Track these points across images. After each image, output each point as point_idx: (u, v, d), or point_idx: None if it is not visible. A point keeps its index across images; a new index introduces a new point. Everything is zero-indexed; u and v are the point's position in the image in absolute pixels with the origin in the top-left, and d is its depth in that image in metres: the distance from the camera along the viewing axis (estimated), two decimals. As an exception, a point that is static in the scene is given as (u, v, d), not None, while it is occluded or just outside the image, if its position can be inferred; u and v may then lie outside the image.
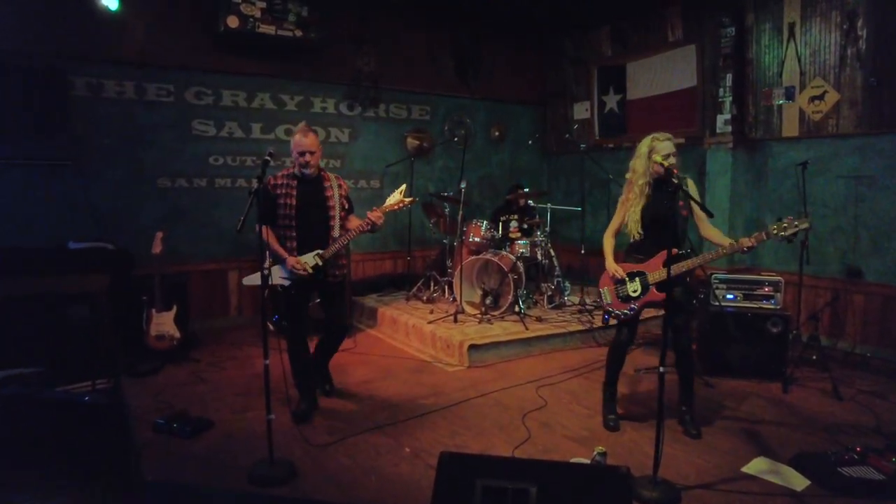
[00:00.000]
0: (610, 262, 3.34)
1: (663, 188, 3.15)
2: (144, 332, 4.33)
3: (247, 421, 3.40)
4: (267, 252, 3.38)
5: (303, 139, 3.39)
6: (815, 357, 4.27)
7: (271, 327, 4.69)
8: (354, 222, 3.54)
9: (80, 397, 3.14)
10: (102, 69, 5.00)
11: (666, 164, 2.99)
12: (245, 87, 5.67)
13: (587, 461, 2.79)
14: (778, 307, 4.16)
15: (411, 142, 6.75)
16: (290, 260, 3.38)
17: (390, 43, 6.45)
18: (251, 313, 5.75)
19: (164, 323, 4.38)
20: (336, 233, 3.45)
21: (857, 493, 2.63)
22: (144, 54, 5.14)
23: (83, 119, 4.92)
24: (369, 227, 3.38)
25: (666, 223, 3.03)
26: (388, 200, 3.45)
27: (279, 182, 3.45)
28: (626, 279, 3.27)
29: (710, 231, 3.21)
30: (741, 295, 4.24)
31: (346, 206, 3.57)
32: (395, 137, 6.65)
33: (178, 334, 4.42)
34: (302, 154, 3.39)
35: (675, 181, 2.81)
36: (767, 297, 4.18)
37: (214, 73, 5.50)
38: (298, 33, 5.44)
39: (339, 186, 3.55)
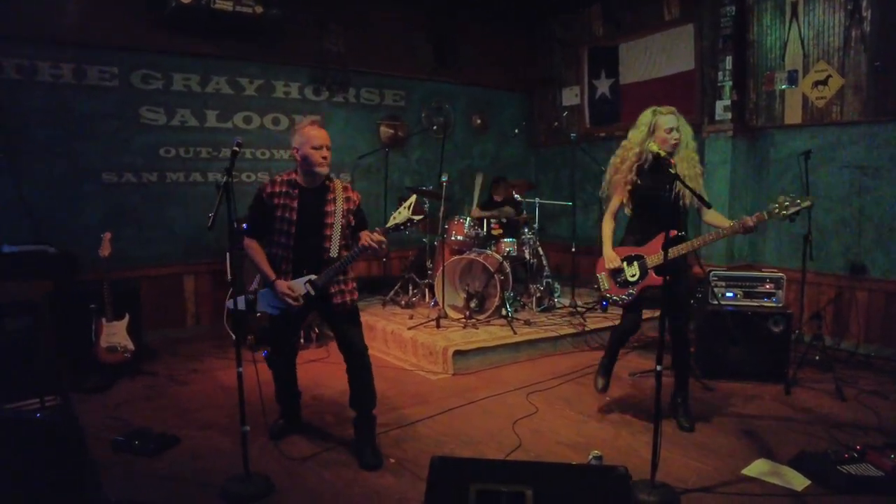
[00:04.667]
0: (608, 250, 3.63)
1: (662, 166, 3.33)
2: (94, 343, 4.45)
3: (215, 436, 3.57)
4: (257, 275, 3.32)
5: (319, 130, 3.25)
6: (817, 357, 4.62)
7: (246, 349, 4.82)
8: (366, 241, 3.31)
9: (31, 415, 3.28)
10: (36, 50, 5.06)
11: (663, 153, 3.21)
12: (198, 70, 5.80)
13: (582, 466, 3.04)
14: (780, 305, 4.49)
15: (385, 130, 6.96)
16: (281, 285, 3.24)
17: (360, 21, 6.64)
18: (210, 323, 5.89)
19: (115, 333, 4.50)
20: (333, 254, 3.27)
21: (856, 490, 2.93)
22: (84, 33, 5.21)
23: (14, 106, 5.00)
24: (368, 251, 3.19)
25: (664, 203, 3.25)
26: (393, 218, 3.18)
27: (278, 190, 3.30)
28: (624, 266, 3.56)
29: (711, 215, 3.47)
30: (741, 293, 4.56)
31: (353, 223, 3.38)
32: (366, 126, 6.85)
33: (131, 346, 4.55)
34: (319, 148, 3.22)
35: (672, 171, 2.99)
36: (768, 295, 4.51)
37: (164, 55, 5.61)
38: (258, 10, 5.58)
39: (348, 199, 3.36)
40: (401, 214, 3.17)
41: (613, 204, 3.66)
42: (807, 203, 3.13)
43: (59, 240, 5.00)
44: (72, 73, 5.24)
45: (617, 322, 3.94)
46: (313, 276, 3.26)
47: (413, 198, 3.22)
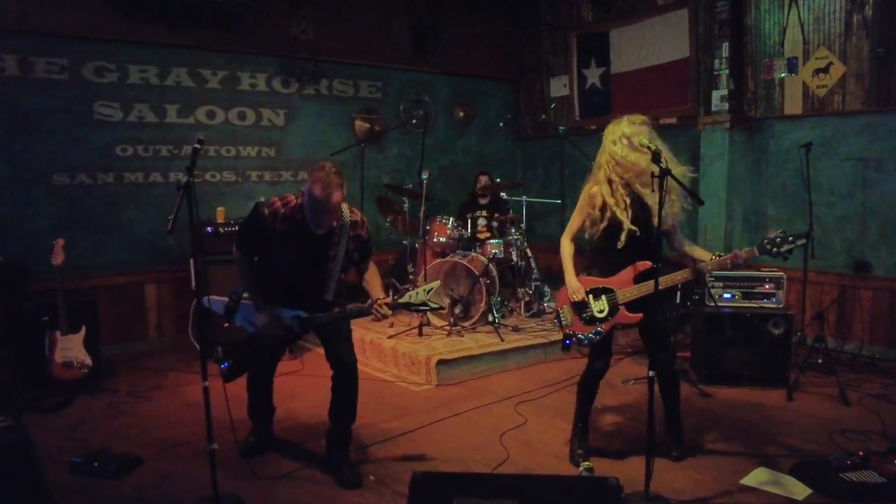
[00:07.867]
0: (571, 278, 3.40)
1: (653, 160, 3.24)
2: (47, 359, 4.46)
3: (181, 456, 3.61)
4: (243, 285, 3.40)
5: (328, 198, 3.09)
6: (820, 360, 4.77)
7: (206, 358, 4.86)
8: (375, 283, 3.46)
9: (-20, 436, 3.29)
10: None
11: (653, 146, 3.21)
12: (157, 61, 5.81)
13: (573, 479, 3.13)
14: (780, 306, 4.63)
15: (360, 125, 7.02)
16: (263, 317, 3.33)
17: (333, 6, 6.69)
18: (175, 334, 5.91)
19: (71, 348, 4.52)
20: (328, 297, 3.37)
21: (859, 498, 3.06)
22: (30, 20, 5.17)
23: (-47, 102, 4.98)
24: (370, 315, 3.32)
25: (642, 229, 3.25)
26: (408, 296, 3.25)
27: (279, 228, 3.27)
28: (590, 300, 3.36)
29: (699, 251, 3.36)
30: (739, 293, 4.69)
31: (356, 258, 3.47)
32: (340, 119, 6.91)
33: (89, 361, 4.57)
34: (320, 215, 3.16)
35: (663, 165, 2.91)
36: (768, 296, 4.65)
37: (119, 44, 5.61)
38: (221, -6, 5.64)
39: (356, 238, 3.40)
40: (417, 296, 3.22)
41: (575, 224, 3.43)
42: (802, 241, 3.13)
43: (7, 247, 4.99)
44: (17, 64, 5.22)
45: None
46: (303, 314, 3.30)
47: (436, 284, 3.33)
